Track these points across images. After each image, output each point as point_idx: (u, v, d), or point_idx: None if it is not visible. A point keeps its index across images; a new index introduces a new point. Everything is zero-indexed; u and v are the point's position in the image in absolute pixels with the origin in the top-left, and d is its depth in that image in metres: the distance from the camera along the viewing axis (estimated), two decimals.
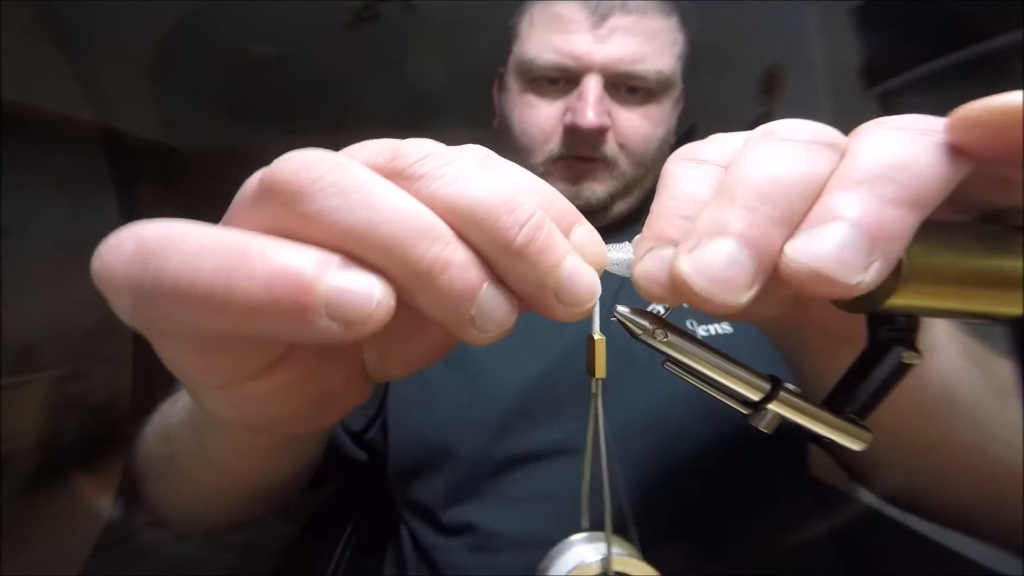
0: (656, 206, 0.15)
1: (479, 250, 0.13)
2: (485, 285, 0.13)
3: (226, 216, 0.16)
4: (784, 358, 0.25)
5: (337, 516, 0.48)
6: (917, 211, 0.12)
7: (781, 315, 0.20)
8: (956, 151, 0.13)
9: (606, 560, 0.17)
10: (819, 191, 0.13)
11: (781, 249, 0.12)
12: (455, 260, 0.13)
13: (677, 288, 0.13)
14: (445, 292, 0.13)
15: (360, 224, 0.12)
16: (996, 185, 0.14)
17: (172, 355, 0.15)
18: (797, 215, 0.13)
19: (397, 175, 0.13)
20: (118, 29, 1.32)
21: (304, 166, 0.13)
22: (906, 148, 0.13)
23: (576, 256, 0.14)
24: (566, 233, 0.15)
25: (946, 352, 0.23)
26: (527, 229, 0.13)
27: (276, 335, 0.13)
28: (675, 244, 0.14)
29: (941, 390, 0.23)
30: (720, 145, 0.16)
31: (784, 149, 0.14)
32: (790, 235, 0.13)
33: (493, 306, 0.13)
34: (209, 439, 0.23)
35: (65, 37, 1.29)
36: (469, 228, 0.13)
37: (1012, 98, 0.11)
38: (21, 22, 1.19)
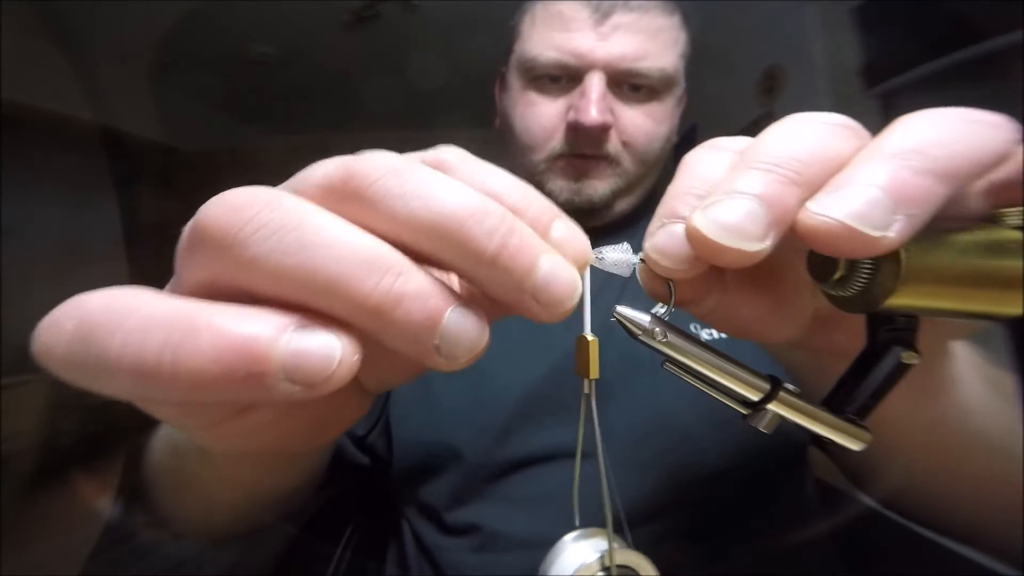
0: (671, 188, 0.15)
1: (452, 264, 0.13)
2: (448, 311, 0.12)
3: (175, 270, 0.14)
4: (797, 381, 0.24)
5: (337, 517, 0.48)
6: (945, 183, 0.12)
7: (801, 339, 0.19)
8: (993, 133, 0.13)
9: (606, 555, 0.17)
10: (839, 165, 0.13)
11: (799, 209, 0.12)
12: (408, 291, 0.12)
13: (693, 241, 0.12)
14: (403, 326, 0.12)
15: (299, 267, 0.11)
16: None
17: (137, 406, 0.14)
18: (815, 180, 0.12)
19: (354, 198, 0.12)
20: (118, 29, 1.32)
21: (232, 208, 0.12)
22: (937, 127, 0.13)
23: (553, 255, 0.13)
24: (545, 231, 0.14)
25: (970, 384, 0.22)
26: (498, 237, 0.12)
27: (234, 400, 0.12)
28: (686, 220, 0.13)
29: (964, 423, 0.22)
30: (741, 139, 0.16)
31: (804, 126, 0.14)
32: (808, 196, 0.12)
33: (459, 332, 0.12)
34: (213, 456, 0.23)
35: (65, 37, 1.28)
36: (437, 245, 0.12)
37: None
38: (21, 22, 1.19)
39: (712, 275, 0.17)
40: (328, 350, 0.11)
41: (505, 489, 0.38)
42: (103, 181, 1.41)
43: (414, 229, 0.12)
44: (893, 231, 0.11)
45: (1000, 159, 0.13)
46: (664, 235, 0.14)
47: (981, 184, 0.15)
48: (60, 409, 1.17)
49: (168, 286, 0.14)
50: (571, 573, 0.17)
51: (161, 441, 0.29)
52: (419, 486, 0.40)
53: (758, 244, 0.12)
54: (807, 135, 0.13)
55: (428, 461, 0.40)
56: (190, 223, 0.13)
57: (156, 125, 1.64)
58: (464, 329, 0.12)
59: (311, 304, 0.12)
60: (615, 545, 0.17)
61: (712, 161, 0.15)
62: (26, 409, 1.09)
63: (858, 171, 0.12)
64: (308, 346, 0.11)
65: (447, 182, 0.13)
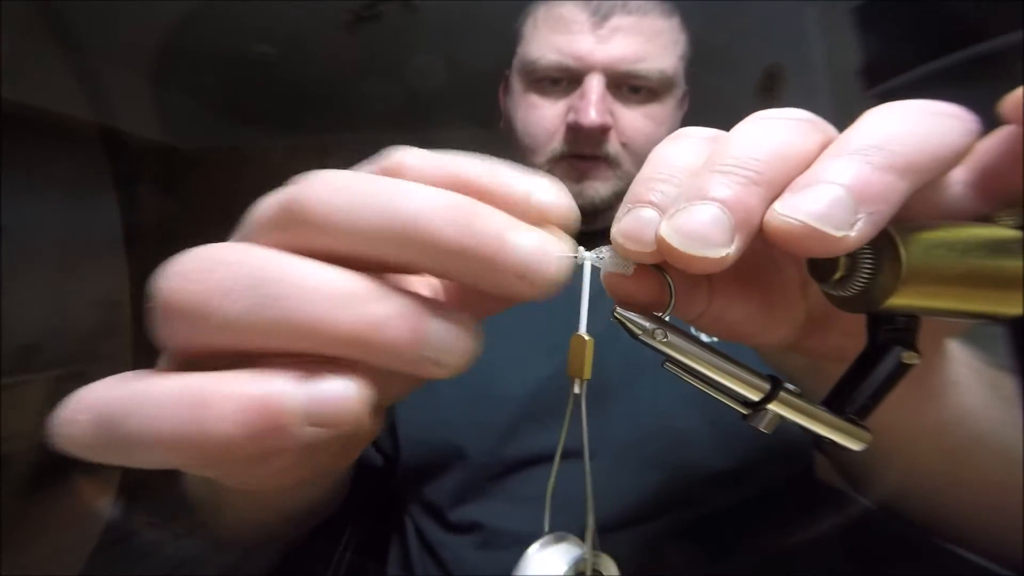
0: (637, 176, 0.15)
1: (423, 267, 0.12)
2: (430, 323, 0.12)
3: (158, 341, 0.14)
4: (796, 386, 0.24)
5: (338, 516, 0.48)
6: (908, 177, 0.12)
7: (796, 342, 0.19)
8: (953, 125, 0.13)
9: (579, 563, 0.16)
10: (805, 163, 0.13)
11: (764, 209, 0.12)
12: (383, 314, 0.11)
13: (663, 251, 0.13)
14: (389, 349, 0.11)
15: (275, 321, 0.11)
16: None
17: None
18: (779, 180, 0.13)
19: (303, 225, 0.12)
20: (118, 29, 1.32)
21: (193, 278, 0.11)
22: (899, 120, 0.13)
23: (525, 229, 0.12)
24: (523, 202, 0.13)
25: (970, 388, 0.22)
26: (457, 227, 0.11)
27: (261, 452, 0.12)
28: (651, 204, 0.13)
29: (966, 427, 0.22)
30: (707, 130, 0.16)
31: (769, 124, 0.14)
32: (773, 196, 0.13)
33: (446, 340, 0.12)
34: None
35: (65, 37, 1.29)
36: (399, 251, 0.12)
37: None
38: (21, 22, 1.19)
39: (698, 277, 0.17)
40: (343, 390, 0.11)
41: (508, 487, 0.38)
42: (103, 181, 1.42)
43: (370, 241, 0.12)
44: (855, 230, 0.12)
45: (962, 151, 0.13)
46: (630, 219, 0.14)
47: (963, 173, 0.15)
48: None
49: (161, 360, 0.14)
50: None
51: None
52: (423, 484, 0.40)
53: (723, 250, 0.12)
54: (769, 134, 0.13)
55: (432, 459, 0.40)
56: (156, 296, 0.12)
57: (156, 125, 1.64)
58: (451, 336, 0.12)
59: (300, 350, 0.12)
60: (582, 551, 0.17)
61: (677, 149, 0.15)
62: (26, 409, 1.09)
63: (821, 170, 0.12)
64: (324, 391, 0.11)
65: (391, 185, 0.12)
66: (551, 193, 0.14)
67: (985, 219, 0.14)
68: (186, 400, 0.11)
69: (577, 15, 0.41)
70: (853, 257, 0.14)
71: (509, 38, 0.47)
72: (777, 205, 0.12)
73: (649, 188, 0.14)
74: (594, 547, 0.17)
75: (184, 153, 1.77)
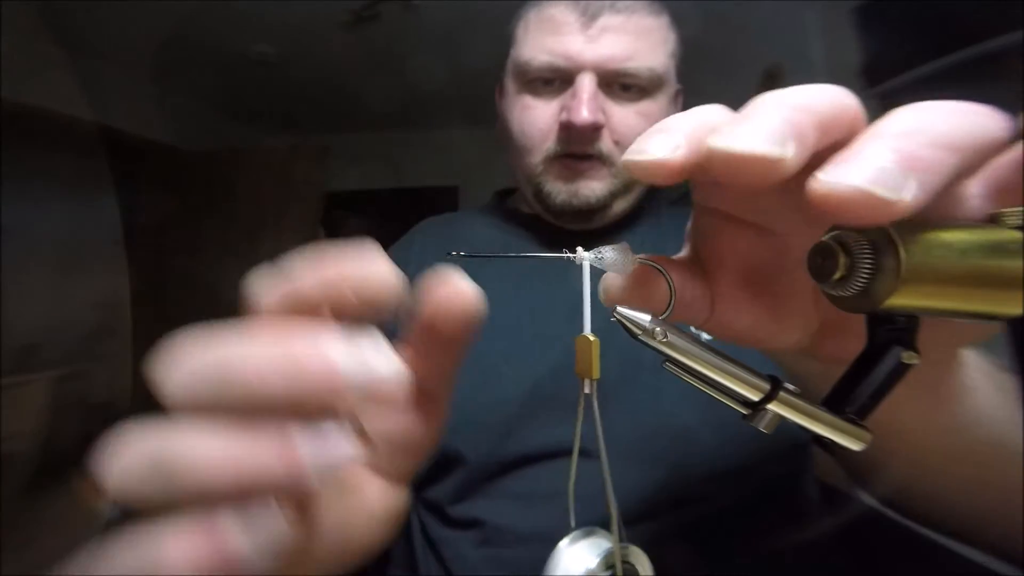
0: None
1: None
2: (301, 449, 0.12)
3: None
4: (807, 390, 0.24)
5: None
6: (952, 153, 0.12)
7: (810, 347, 0.19)
8: (986, 119, 0.13)
9: (607, 557, 0.17)
10: (846, 120, 0.13)
11: (816, 139, 0.12)
12: (252, 470, 0.12)
13: (714, 160, 0.12)
14: (277, 484, 0.12)
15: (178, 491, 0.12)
16: None
17: None
18: (823, 119, 0.13)
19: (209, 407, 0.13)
20: (119, 29, 1.32)
21: (123, 473, 0.12)
22: (934, 110, 0.13)
23: (340, 348, 0.13)
24: (342, 299, 0.14)
25: (983, 392, 0.22)
26: (286, 384, 0.12)
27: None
28: (668, 131, 0.13)
29: (979, 430, 0.22)
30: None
31: (805, 87, 0.14)
32: (823, 139, 0.13)
33: (323, 457, 0.12)
34: None
35: (66, 37, 1.29)
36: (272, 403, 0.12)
37: None
38: (21, 22, 1.19)
39: (702, 282, 0.17)
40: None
41: (507, 485, 0.38)
42: (103, 181, 1.42)
43: (233, 407, 0.12)
44: (908, 194, 0.11)
45: (996, 145, 0.13)
46: (644, 139, 0.13)
47: (980, 187, 0.15)
48: (60, 409, 1.17)
49: None
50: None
51: None
52: (423, 481, 0.41)
53: (779, 149, 0.12)
54: (809, 89, 0.13)
55: (433, 458, 0.40)
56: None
57: (156, 125, 1.64)
58: (326, 451, 0.12)
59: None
60: (612, 544, 0.17)
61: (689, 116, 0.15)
62: (26, 409, 1.09)
63: (863, 146, 0.12)
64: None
65: (225, 361, 0.13)
66: (365, 267, 0.14)
67: (988, 219, 0.14)
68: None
69: (567, 16, 0.42)
70: (853, 257, 0.14)
71: (508, 38, 0.47)
72: (822, 175, 0.12)
73: (648, 135, 0.14)
74: (622, 540, 0.17)
75: (184, 153, 1.77)
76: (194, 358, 0.13)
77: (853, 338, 0.18)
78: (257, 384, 0.12)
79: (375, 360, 0.12)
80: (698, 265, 0.18)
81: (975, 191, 0.15)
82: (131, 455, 0.12)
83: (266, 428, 0.12)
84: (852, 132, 0.13)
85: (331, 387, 0.12)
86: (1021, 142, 0.14)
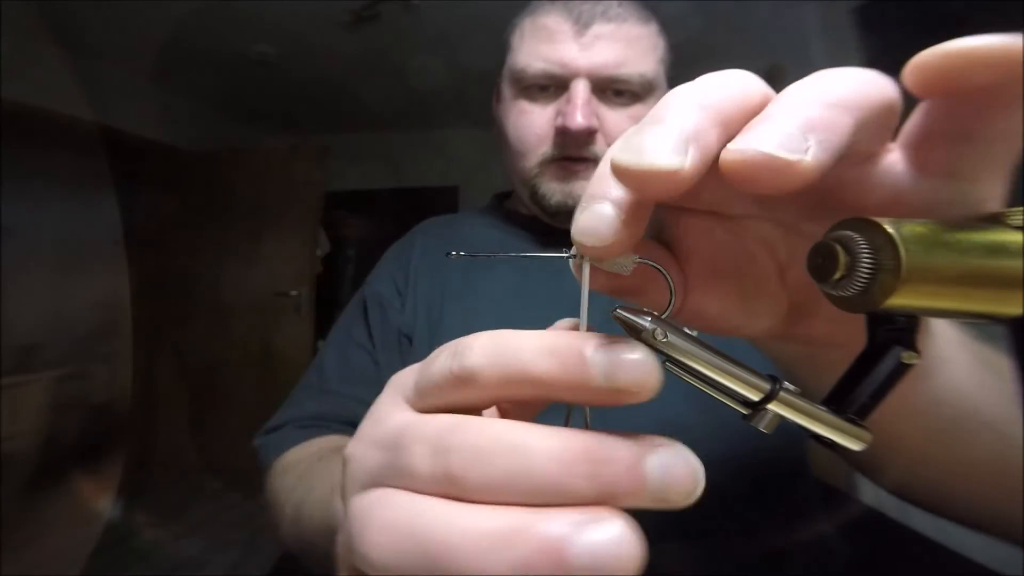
0: (594, 174, 0.16)
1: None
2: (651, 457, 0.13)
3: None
4: (792, 376, 0.24)
5: None
6: (849, 113, 0.13)
7: (783, 331, 0.19)
8: (878, 80, 0.14)
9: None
10: (751, 108, 0.14)
11: (716, 134, 0.13)
12: (523, 551, 0.12)
13: (618, 175, 0.13)
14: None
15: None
16: (960, 141, 0.15)
17: None
18: (725, 111, 0.13)
19: (466, 390, 0.14)
20: (119, 30, 1.32)
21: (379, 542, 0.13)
22: (831, 75, 0.14)
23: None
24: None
25: (959, 364, 0.22)
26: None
27: None
28: (607, 199, 0.14)
29: (958, 404, 0.22)
30: None
31: (709, 76, 0.15)
32: (726, 133, 0.13)
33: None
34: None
35: (66, 38, 1.29)
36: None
37: (956, 44, 0.13)
38: (21, 22, 1.19)
39: (674, 272, 0.17)
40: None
41: None
42: (103, 181, 1.42)
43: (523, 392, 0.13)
44: (809, 155, 0.12)
45: (891, 105, 0.14)
46: (585, 216, 0.14)
47: (903, 154, 0.15)
48: (60, 409, 1.17)
49: None
50: None
51: (287, 494, 0.33)
52: None
53: (677, 158, 0.12)
54: (711, 80, 0.14)
55: None
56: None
57: (156, 125, 1.64)
58: (672, 470, 0.13)
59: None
60: None
61: None
62: (26, 409, 1.09)
63: (767, 112, 0.13)
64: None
65: (517, 344, 0.14)
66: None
67: (991, 218, 0.14)
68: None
69: (560, 24, 0.44)
70: (853, 257, 0.14)
71: (506, 40, 0.47)
72: (731, 144, 0.12)
73: (601, 183, 0.14)
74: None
75: (184, 153, 1.77)
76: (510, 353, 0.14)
77: (822, 320, 0.19)
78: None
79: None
80: (670, 256, 0.18)
81: (897, 158, 0.15)
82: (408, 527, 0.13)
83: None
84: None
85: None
86: (927, 102, 0.15)
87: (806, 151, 0.12)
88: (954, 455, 0.24)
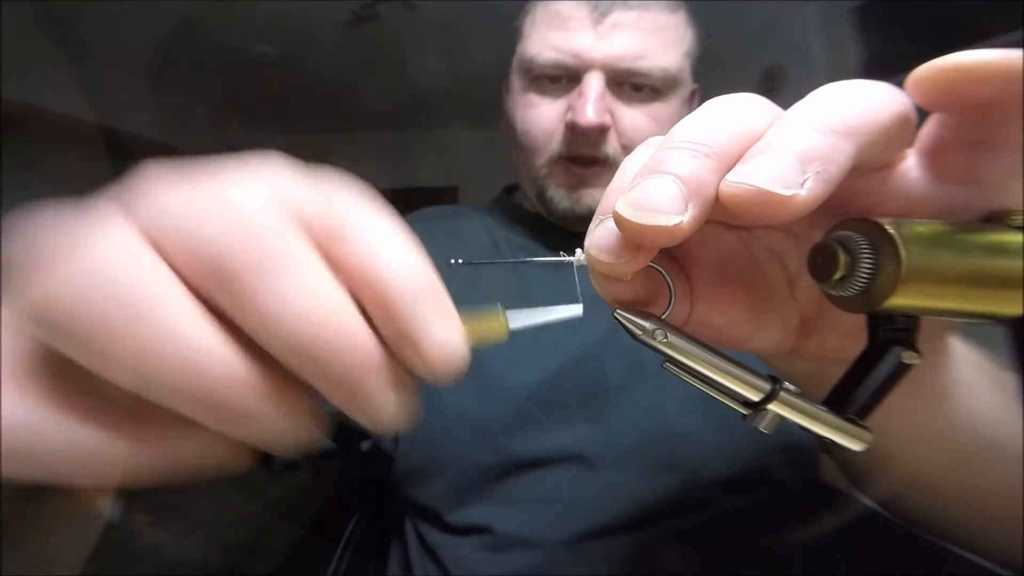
0: (608, 187, 0.15)
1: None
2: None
3: None
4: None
5: (338, 517, 0.48)
6: (850, 139, 0.13)
7: (793, 347, 0.19)
8: (887, 95, 0.13)
9: None
10: (754, 138, 0.13)
11: (716, 181, 0.13)
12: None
13: (620, 228, 0.13)
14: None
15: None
16: (976, 147, 0.14)
17: None
18: (729, 153, 0.13)
19: (220, 291, 0.11)
20: (118, 29, 1.32)
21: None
22: (838, 92, 0.13)
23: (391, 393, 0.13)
24: (422, 327, 0.13)
25: (978, 389, 0.21)
26: (352, 378, 0.12)
27: None
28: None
29: (977, 431, 0.21)
30: None
31: (718, 104, 0.14)
32: (726, 169, 0.13)
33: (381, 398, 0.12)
34: None
35: (65, 37, 1.29)
36: (294, 362, 0.12)
37: (952, 59, 0.13)
38: (21, 22, 1.19)
39: (679, 280, 0.17)
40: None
41: (507, 490, 0.38)
42: (103, 181, 1.42)
43: (272, 344, 0.12)
44: (805, 189, 0.12)
45: (899, 120, 0.14)
46: (600, 232, 0.14)
47: (918, 162, 0.15)
48: None
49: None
50: None
51: None
52: (422, 485, 0.40)
53: (676, 217, 0.12)
54: (717, 113, 0.14)
55: (430, 461, 0.40)
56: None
57: (156, 125, 1.64)
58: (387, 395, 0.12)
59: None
60: None
61: (640, 156, 0.15)
62: None
63: (766, 140, 0.13)
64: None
65: (315, 301, 0.12)
66: (445, 341, 0.13)
67: (992, 218, 0.14)
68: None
69: (576, 11, 0.40)
70: (853, 257, 0.14)
71: (509, 38, 0.46)
72: (729, 175, 0.12)
73: (615, 198, 0.14)
74: None
75: (184, 153, 1.77)
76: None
77: (835, 334, 0.18)
78: None
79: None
80: (674, 264, 0.18)
81: (912, 165, 0.15)
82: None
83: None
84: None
85: None
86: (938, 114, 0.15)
87: (802, 184, 0.12)
88: (970, 481, 0.23)
